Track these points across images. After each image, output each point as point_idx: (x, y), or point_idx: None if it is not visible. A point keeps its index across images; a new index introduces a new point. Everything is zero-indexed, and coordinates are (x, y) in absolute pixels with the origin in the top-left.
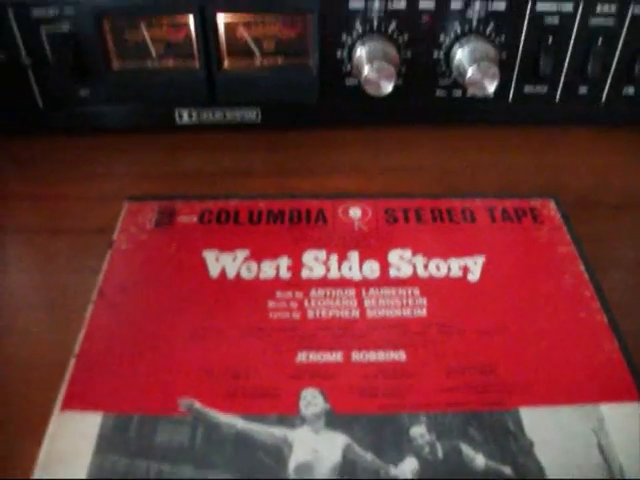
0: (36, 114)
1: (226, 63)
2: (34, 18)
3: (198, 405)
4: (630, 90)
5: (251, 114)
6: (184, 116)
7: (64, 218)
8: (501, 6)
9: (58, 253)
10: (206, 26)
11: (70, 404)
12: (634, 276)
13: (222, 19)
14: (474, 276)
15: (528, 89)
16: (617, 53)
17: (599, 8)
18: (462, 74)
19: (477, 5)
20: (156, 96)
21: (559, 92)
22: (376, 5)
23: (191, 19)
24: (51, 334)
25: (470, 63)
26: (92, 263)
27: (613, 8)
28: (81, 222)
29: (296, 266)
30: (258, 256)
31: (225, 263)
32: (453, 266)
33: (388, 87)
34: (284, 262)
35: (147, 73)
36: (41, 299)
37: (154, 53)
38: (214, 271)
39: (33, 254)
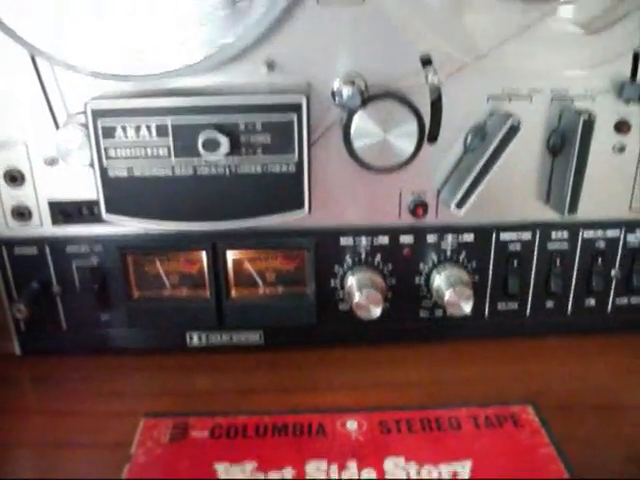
0: (59, 335)
1: (233, 292)
2: (67, 253)
3: None
4: (591, 302)
5: (255, 336)
6: (194, 339)
7: (82, 433)
8: (470, 237)
9: (77, 466)
10: (217, 261)
11: None
12: (613, 472)
13: (231, 255)
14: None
15: (501, 306)
16: (574, 271)
17: (553, 235)
18: (441, 297)
19: (449, 238)
20: (170, 321)
21: (529, 307)
22: (363, 241)
23: (204, 255)
24: None
25: (447, 287)
26: (110, 476)
27: (565, 234)
28: (99, 436)
29: (300, 475)
30: (265, 467)
31: (235, 474)
32: (443, 471)
33: (377, 311)
34: (289, 472)
35: (163, 301)
36: None
37: (170, 283)
38: None
39: (52, 468)
